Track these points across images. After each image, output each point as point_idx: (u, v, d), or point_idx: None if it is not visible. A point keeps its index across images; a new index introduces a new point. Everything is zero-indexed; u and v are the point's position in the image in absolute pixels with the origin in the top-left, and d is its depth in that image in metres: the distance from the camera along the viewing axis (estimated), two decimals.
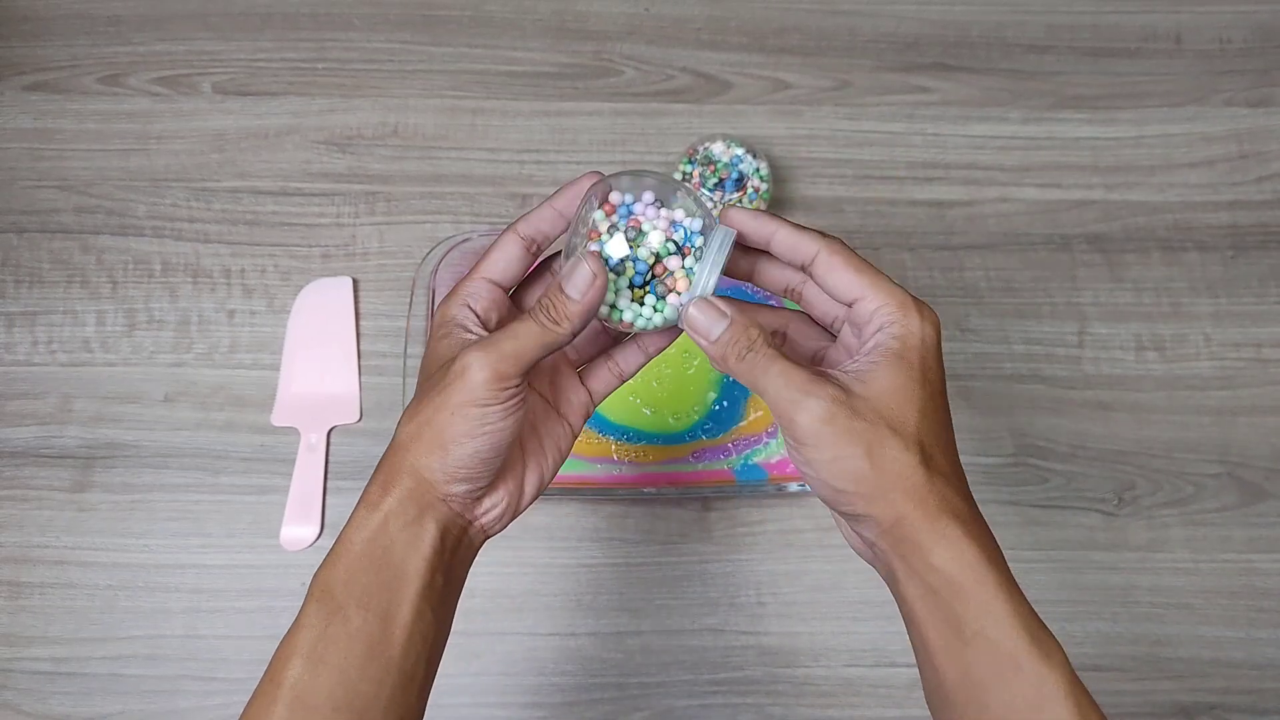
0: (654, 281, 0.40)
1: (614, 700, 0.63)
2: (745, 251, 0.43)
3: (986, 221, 0.74)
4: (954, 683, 0.36)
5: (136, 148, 0.75)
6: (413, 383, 0.63)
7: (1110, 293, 0.72)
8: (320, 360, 0.69)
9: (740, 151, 0.70)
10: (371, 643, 0.37)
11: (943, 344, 0.40)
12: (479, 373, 0.37)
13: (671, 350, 0.69)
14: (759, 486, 0.66)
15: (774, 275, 0.43)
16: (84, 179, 0.74)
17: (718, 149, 0.70)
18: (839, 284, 0.40)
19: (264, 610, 0.64)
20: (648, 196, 0.41)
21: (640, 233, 0.40)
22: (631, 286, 0.40)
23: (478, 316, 0.41)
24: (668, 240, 0.40)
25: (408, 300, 0.65)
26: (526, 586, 0.65)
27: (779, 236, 0.41)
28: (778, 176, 0.74)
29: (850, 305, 0.40)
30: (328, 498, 0.66)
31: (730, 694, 0.63)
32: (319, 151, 0.75)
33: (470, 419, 0.38)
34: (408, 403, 0.41)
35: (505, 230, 0.42)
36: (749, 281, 0.44)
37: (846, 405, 0.37)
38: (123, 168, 0.74)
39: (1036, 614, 0.37)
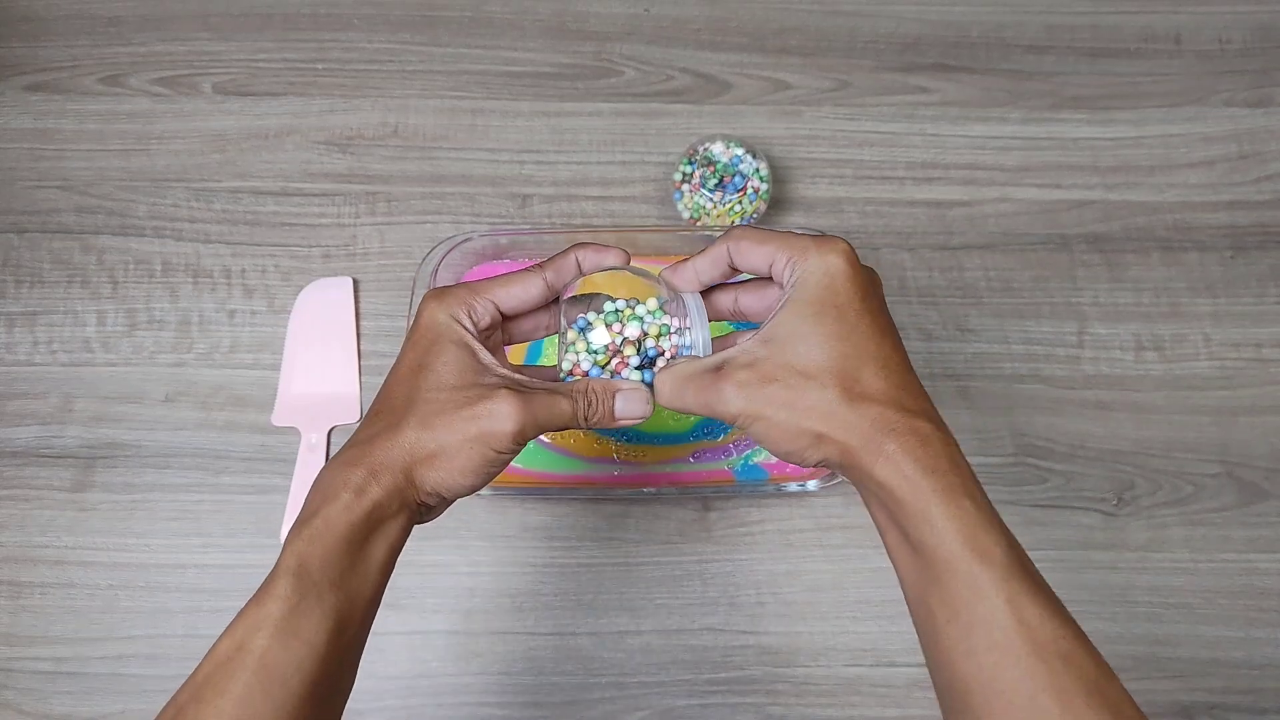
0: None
1: (614, 700, 0.63)
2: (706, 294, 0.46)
3: (986, 222, 0.74)
4: (910, 587, 0.38)
5: (137, 148, 0.75)
6: None
7: (1110, 293, 0.72)
8: (321, 360, 0.69)
9: (740, 152, 0.70)
10: (341, 621, 0.37)
11: (884, 296, 0.41)
12: (508, 425, 0.40)
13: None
14: (759, 486, 0.66)
15: (755, 301, 0.45)
16: (84, 179, 0.74)
17: (717, 149, 0.70)
18: (754, 262, 0.42)
19: None
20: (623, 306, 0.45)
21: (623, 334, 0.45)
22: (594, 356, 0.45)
23: (477, 335, 0.43)
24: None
25: (408, 300, 0.65)
26: (526, 586, 0.65)
27: (700, 270, 0.43)
28: (777, 177, 0.74)
29: (770, 277, 0.42)
30: None
31: (730, 694, 0.63)
32: (319, 152, 0.75)
33: (484, 460, 0.40)
34: (393, 381, 0.42)
35: (532, 270, 0.44)
36: (733, 318, 0.46)
37: (755, 375, 0.39)
38: (123, 168, 0.74)
39: (985, 510, 0.37)
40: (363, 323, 0.70)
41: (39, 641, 0.63)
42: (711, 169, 0.69)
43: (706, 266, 0.43)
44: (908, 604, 0.39)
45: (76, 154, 0.74)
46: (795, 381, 0.38)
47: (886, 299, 0.71)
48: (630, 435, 0.67)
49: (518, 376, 0.43)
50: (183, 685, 0.36)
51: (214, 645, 0.37)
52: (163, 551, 0.65)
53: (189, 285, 0.71)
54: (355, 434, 0.42)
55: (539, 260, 0.46)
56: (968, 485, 0.37)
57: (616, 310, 0.45)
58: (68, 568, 0.64)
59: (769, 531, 0.66)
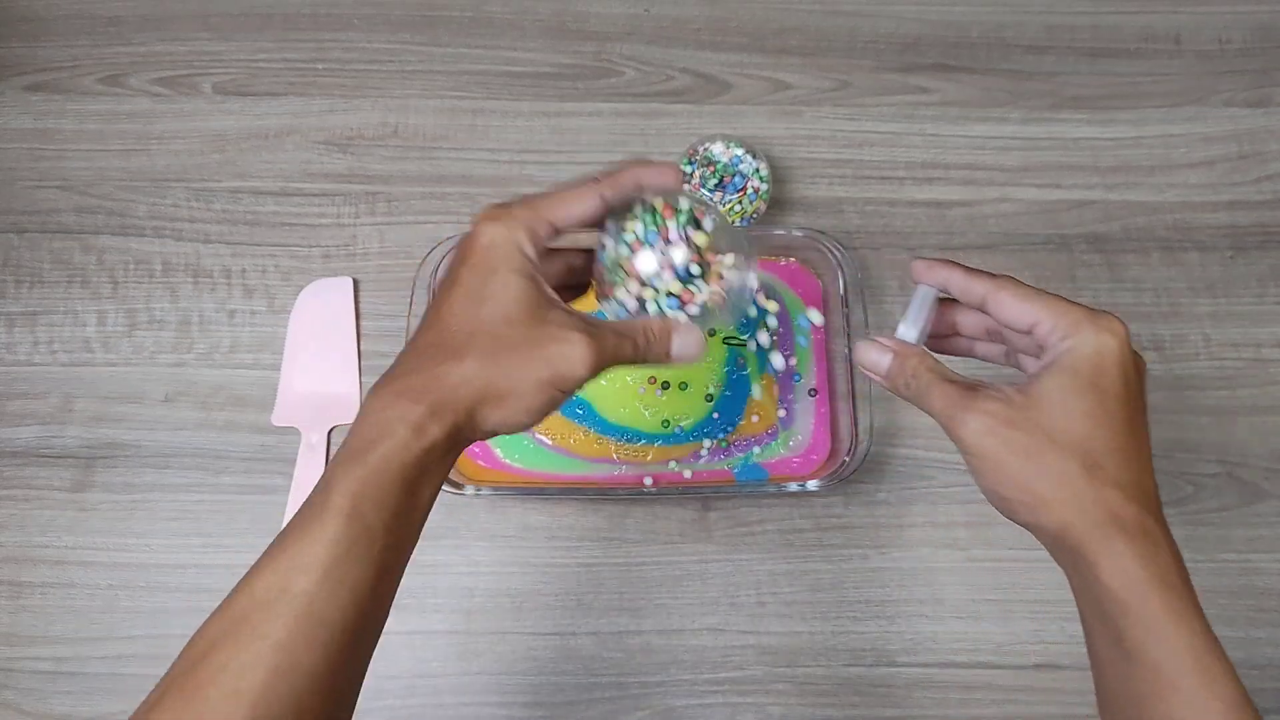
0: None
1: (614, 700, 0.63)
2: (949, 304, 0.45)
3: (986, 222, 0.74)
4: (1115, 693, 0.37)
5: (137, 148, 0.75)
6: None
7: (1110, 293, 0.72)
8: (321, 360, 0.69)
9: (740, 152, 0.70)
10: (387, 565, 0.36)
11: (1146, 386, 0.41)
12: (581, 369, 0.39)
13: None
14: (759, 486, 0.66)
15: (972, 321, 0.45)
16: (84, 179, 0.74)
17: (717, 149, 0.70)
18: (1012, 316, 0.41)
19: None
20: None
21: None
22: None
23: (538, 263, 0.40)
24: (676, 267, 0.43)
25: (408, 300, 0.65)
26: (527, 586, 0.65)
27: (953, 283, 0.43)
28: (777, 177, 0.74)
29: (1029, 333, 0.41)
30: None
31: (730, 693, 0.63)
32: (319, 152, 0.75)
33: (550, 401, 0.39)
34: (447, 307, 0.39)
35: (588, 183, 0.42)
36: (955, 333, 0.46)
37: (1004, 416, 0.38)
38: (123, 168, 0.74)
39: (1209, 633, 0.37)
40: (363, 323, 0.70)
41: (39, 641, 0.63)
42: (712, 169, 0.69)
43: (959, 284, 0.43)
44: (1101, 696, 0.39)
45: (76, 154, 0.74)
46: (1041, 441, 0.38)
47: (885, 299, 0.71)
48: (630, 435, 0.67)
49: (584, 314, 0.41)
50: (213, 618, 0.34)
51: (250, 578, 0.34)
52: (163, 551, 0.65)
53: (189, 285, 0.71)
54: (406, 359, 0.39)
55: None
56: (1195, 604, 0.37)
57: (654, 220, 0.43)
58: (68, 568, 0.64)
59: (769, 531, 0.66)
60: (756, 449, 0.67)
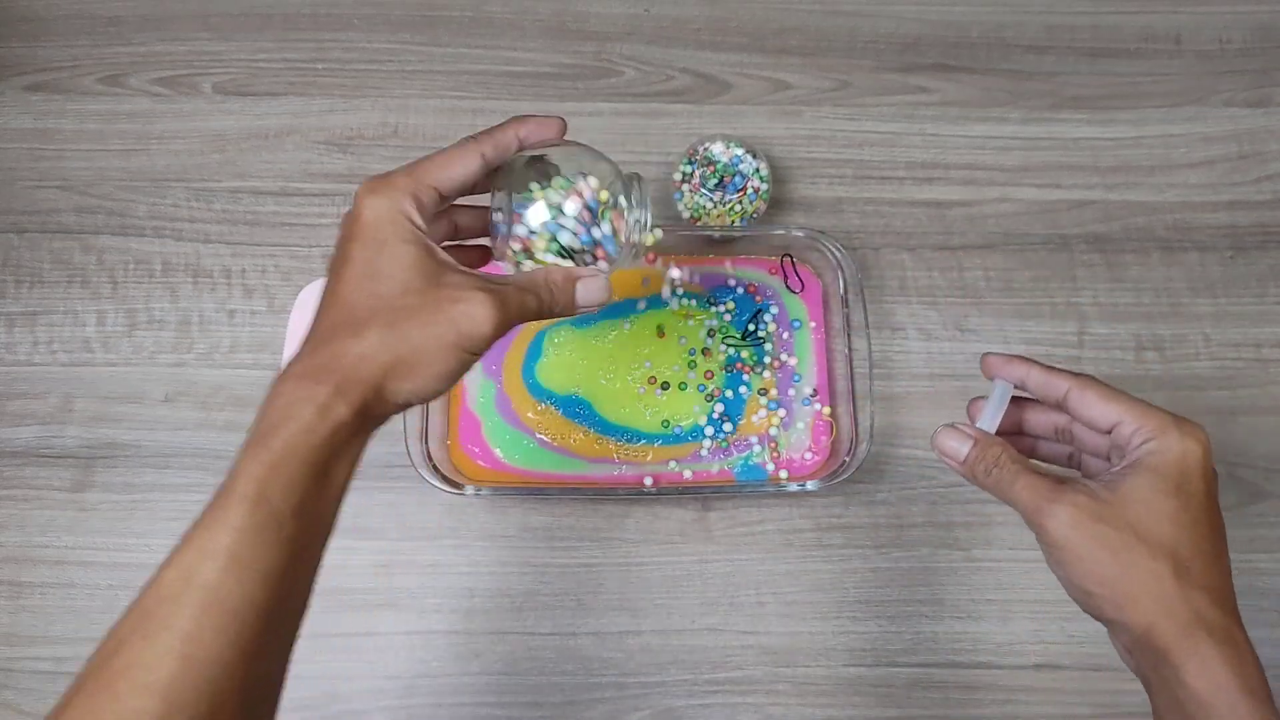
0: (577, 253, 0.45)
1: (614, 699, 0.63)
2: (1017, 402, 0.46)
3: (986, 222, 0.74)
4: None
5: (137, 148, 0.75)
6: None
7: (1110, 293, 0.72)
8: None
9: (740, 152, 0.70)
10: (298, 549, 0.35)
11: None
12: (486, 326, 0.38)
13: (674, 353, 0.69)
14: (759, 486, 0.66)
15: (1041, 419, 0.46)
16: (84, 179, 0.74)
17: (718, 149, 0.70)
18: (1094, 415, 0.42)
19: None
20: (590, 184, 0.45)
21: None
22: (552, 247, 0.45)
23: (426, 229, 0.40)
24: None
25: None
26: (526, 586, 0.65)
27: (1031, 379, 0.44)
28: (777, 177, 0.74)
29: (1109, 433, 0.42)
30: None
31: (730, 693, 0.63)
32: (319, 152, 0.75)
33: (459, 364, 0.39)
34: (343, 285, 0.39)
35: (466, 143, 0.42)
36: (1018, 432, 0.47)
37: (1092, 511, 0.38)
38: (123, 168, 0.74)
39: None
40: None
41: (39, 641, 0.63)
42: (712, 169, 0.69)
43: (1039, 380, 0.43)
44: None
45: (76, 154, 0.74)
46: (1129, 538, 0.38)
47: (885, 299, 0.71)
48: (630, 435, 0.67)
49: (481, 272, 0.41)
50: (124, 616, 0.34)
51: (158, 573, 0.34)
52: (163, 551, 0.64)
53: (189, 285, 0.71)
54: (307, 343, 0.39)
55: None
56: (1276, 714, 0.37)
57: (558, 183, 0.44)
58: (68, 568, 0.64)
59: (769, 531, 0.66)
60: (756, 449, 0.67)
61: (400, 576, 0.65)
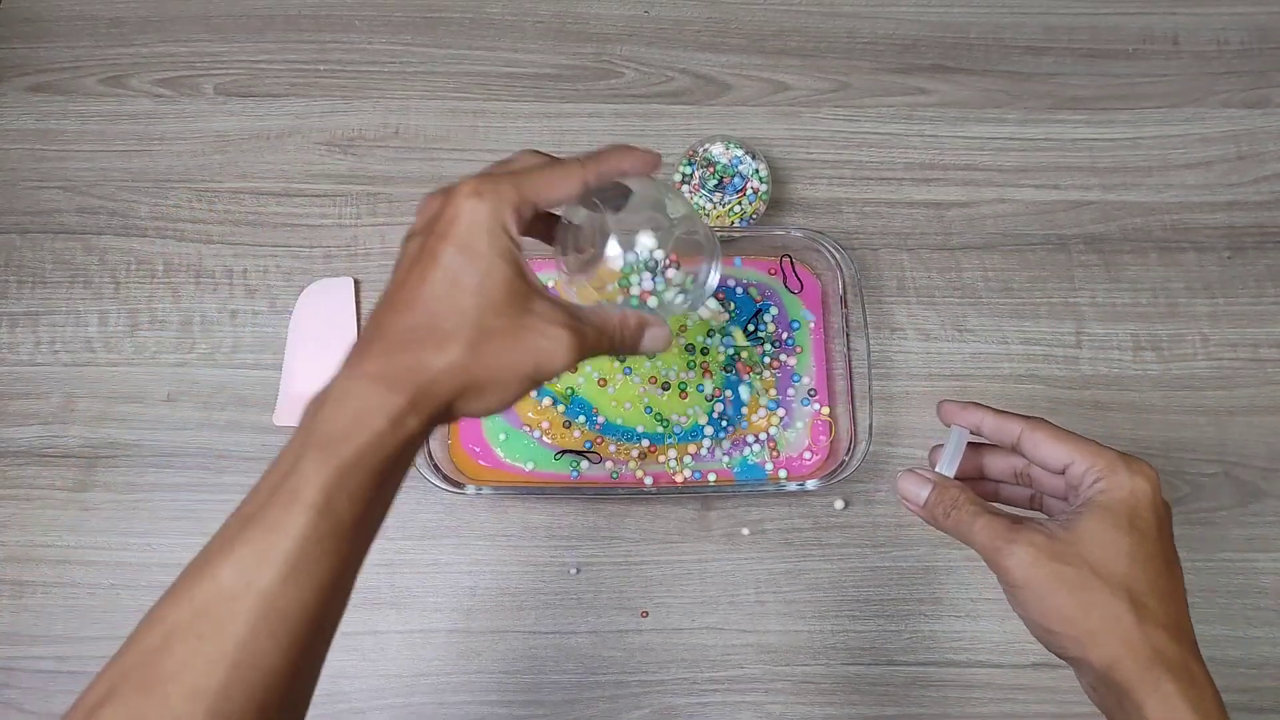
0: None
1: (614, 698, 0.63)
2: (975, 448, 0.47)
3: (984, 222, 0.74)
4: None
5: (139, 149, 0.75)
6: None
7: (1107, 293, 0.72)
8: (322, 360, 0.69)
9: (740, 153, 0.70)
10: (354, 558, 0.35)
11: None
12: (562, 361, 0.38)
13: (673, 353, 0.69)
14: (759, 486, 0.66)
15: (999, 463, 0.47)
16: (87, 180, 0.74)
17: (717, 150, 0.70)
18: (1046, 456, 0.42)
19: None
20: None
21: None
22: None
23: (519, 237, 0.39)
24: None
25: None
26: (527, 585, 0.65)
27: (985, 424, 0.44)
28: (777, 178, 0.74)
29: (1062, 473, 0.42)
30: None
31: (730, 692, 0.63)
32: (321, 153, 0.75)
33: (527, 389, 0.39)
34: (428, 286, 0.37)
35: (574, 164, 0.42)
36: (979, 477, 0.47)
37: (1049, 550, 0.39)
38: (125, 169, 0.74)
39: None
40: (364, 323, 0.70)
41: (41, 641, 0.63)
42: (711, 170, 0.69)
43: (992, 425, 0.44)
44: None
45: (79, 155, 0.75)
46: (1087, 576, 0.38)
47: (884, 299, 0.72)
48: (631, 435, 0.67)
49: (567, 304, 0.40)
50: (167, 605, 0.33)
51: (212, 566, 0.33)
52: (165, 551, 0.65)
53: (191, 285, 0.71)
54: (382, 338, 0.37)
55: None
56: None
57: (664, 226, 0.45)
58: (70, 567, 0.65)
59: (769, 531, 0.66)
60: (756, 448, 0.67)
61: (401, 575, 0.65)
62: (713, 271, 0.47)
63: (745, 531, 0.66)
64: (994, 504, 0.43)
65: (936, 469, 0.45)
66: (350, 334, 0.70)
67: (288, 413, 0.68)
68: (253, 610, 0.32)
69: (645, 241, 0.45)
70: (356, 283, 0.71)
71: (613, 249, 0.45)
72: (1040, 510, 0.46)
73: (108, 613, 0.64)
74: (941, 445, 0.46)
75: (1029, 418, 0.43)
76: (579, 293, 0.46)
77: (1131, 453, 0.68)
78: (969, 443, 0.46)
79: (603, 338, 0.41)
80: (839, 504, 0.66)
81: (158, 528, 0.65)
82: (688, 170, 0.70)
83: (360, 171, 0.75)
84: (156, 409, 0.68)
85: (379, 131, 0.76)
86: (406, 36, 0.78)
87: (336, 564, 0.34)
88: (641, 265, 0.45)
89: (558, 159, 0.42)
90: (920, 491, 0.43)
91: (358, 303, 0.71)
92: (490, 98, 0.77)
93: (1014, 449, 0.44)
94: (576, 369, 0.40)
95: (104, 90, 0.76)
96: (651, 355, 0.44)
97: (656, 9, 0.80)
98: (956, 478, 0.45)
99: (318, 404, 0.36)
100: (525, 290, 0.38)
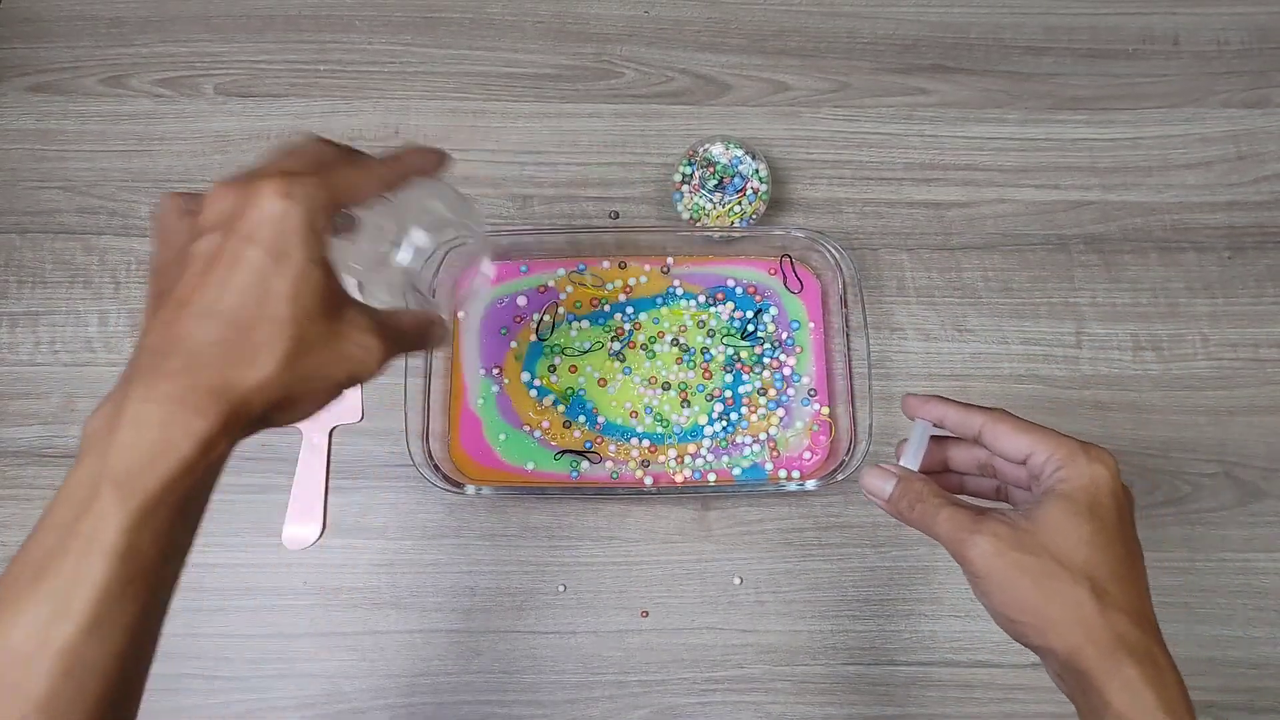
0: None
1: (614, 698, 0.63)
2: (939, 441, 0.47)
3: (984, 222, 0.74)
4: None
5: (139, 149, 0.75)
6: (415, 382, 0.63)
7: (1108, 293, 0.72)
8: None
9: (739, 153, 0.70)
10: (165, 587, 0.33)
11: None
12: (375, 367, 0.38)
13: (673, 353, 0.69)
14: (759, 486, 0.66)
15: (964, 455, 0.47)
16: (86, 180, 0.74)
17: (717, 150, 0.70)
18: (1007, 448, 0.43)
19: (266, 609, 0.64)
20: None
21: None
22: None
23: (329, 240, 0.37)
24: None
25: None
26: (526, 585, 0.65)
27: (948, 417, 0.45)
28: (777, 178, 0.74)
29: (1024, 464, 0.42)
30: (329, 497, 0.66)
31: (730, 692, 0.63)
32: None
33: (337, 396, 0.38)
34: (235, 287, 0.34)
35: (376, 164, 0.40)
36: (945, 470, 0.48)
37: (1011, 539, 0.39)
38: (125, 169, 0.74)
39: None
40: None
41: None
42: (711, 170, 0.69)
43: (955, 418, 0.45)
44: None
45: (79, 155, 0.75)
46: (1049, 565, 0.39)
47: (884, 299, 0.72)
48: (631, 434, 0.67)
49: (371, 310, 0.39)
50: None
51: (3, 626, 0.30)
52: None
53: None
54: (179, 346, 0.33)
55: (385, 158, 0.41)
56: None
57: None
58: None
59: (769, 531, 0.66)
60: (756, 448, 0.67)
61: (401, 575, 0.65)
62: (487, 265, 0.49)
63: (737, 581, 0.66)
64: (959, 496, 0.43)
65: (900, 462, 0.45)
66: None
67: None
68: (53, 670, 0.30)
69: (421, 239, 0.45)
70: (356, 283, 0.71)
71: (409, 247, 0.45)
72: (1006, 501, 0.47)
73: None
74: (906, 440, 0.46)
75: (990, 410, 0.44)
76: (369, 290, 0.46)
77: (1133, 453, 0.69)
78: (933, 436, 0.46)
79: (405, 337, 0.41)
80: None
81: None
82: (687, 170, 0.70)
83: None
84: None
85: (379, 131, 0.76)
86: (406, 36, 0.78)
87: (148, 601, 0.32)
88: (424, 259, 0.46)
89: (355, 153, 0.40)
90: (885, 486, 0.44)
91: None
92: (490, 98, 0.77)
93: (977, 441, 0.44)
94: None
95: (104, 90, 0.76)
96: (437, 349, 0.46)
97: (656, 9, 0.80)
98: (922, 471, 0.45)
99: (107, 429, 0.32)
100: (337, 297, 0.36)
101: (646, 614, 0.64)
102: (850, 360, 0.65)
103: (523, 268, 0.70)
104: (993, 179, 0.75)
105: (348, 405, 0.68)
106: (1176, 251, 0.73)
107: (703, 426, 0.67)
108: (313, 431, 0.67)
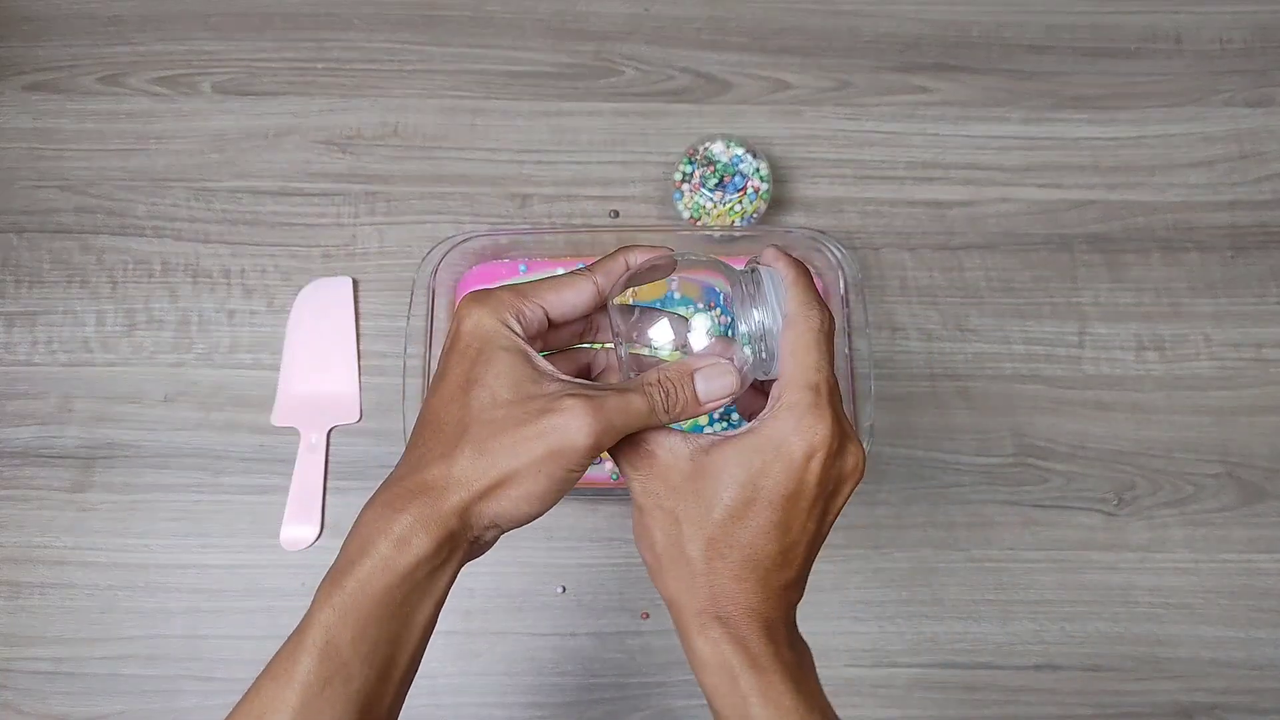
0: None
1: (614, 700, 0.63)
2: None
3: (987, 222, 0.74)
4: None
5: (136, 147, 0.75)
6: (413, 383, 0.63)
7: (1110, 293, 0.72)
8: (320, 360, 0.69)
9: (740, 152, 0.70)
10: (368, 698, 0.34)
11: (842, 497, 0.38)
12: (581, 438, 0.34)
13: (674, 354, 0.69)
14: None
15: None
16: (84, 179, 0.74)
17: (718, 149, 0.70)
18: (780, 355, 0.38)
19: (264, 610, 0.64)
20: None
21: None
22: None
23: (524, 332, 0.37)
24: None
25: (408, 300, 0.65)
26: (526, 586, 0.65)
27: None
28: (778, 177, 0.74)
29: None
30: (328, 498, 0.66)
31: None
32: (319, 151, 0.75)
33: (554, 482, 0.34)
34: (438, 400, 0.36)
35: (582, 273, 0.40)
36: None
37: (671, 473, 0.37)
38: (123, 167, 0.74)
39: (809, 710, 0.36)
40: (362, 323, 0.70)
41: (38, 642, 0.63)
42: (712, 169, 0.69)
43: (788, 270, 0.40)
44: None
45: (76, 154, 0.74)
46: (691, 509, 0.36)
47: (886, 299, 0.71)
48: None
49: (581, 380, 0.37)
50: None
51: (233, 716, 0.33)
52: (162, 552, 0.65)
53: (188, 285, 0.71)
54: (400, 464, 0.36)
55: (584, 262, 0.41)
56: (791, 682, 0.36)
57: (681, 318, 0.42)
58: (67, 568, 0.64)
59: None
60: None
61: None
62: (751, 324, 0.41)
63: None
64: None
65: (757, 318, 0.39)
66: (349, 333, 0.70)
67: (286, 413, 0.68)
68: None
69: (702, 324, 0.41)
70: (355, 282, 0.71)
71: (699, 338, 0.41)
72: None
73: (105, 614, 0.64)
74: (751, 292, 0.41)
75: (812, 308, 0.38)
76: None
77: (1135, 454, 0.69)
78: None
79: (631, 398, 0.36)
80: None
81: (155, 528, 0.65)
82: (688, 169, 0.70)
83: (359, 170, 0.74)
84: (154, 409, 0.68)
85: (377, 130, 0.75)
86: (405, 35, 0.78)
87: (349, 707, 0.33)
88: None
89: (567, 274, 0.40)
90: (726, 385, 0.38)
91: (356, 302, 0.70)
92: (489, 96, 0.77)
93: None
94: (605, 451, 0.36)
95: (101, 89, 0.76)
96: (721, 406, 0.38)
97: (656, 7, 0.79)
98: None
99: (344, 541, 0.35)
100: (534, 376, 0.36)
101: (647, 616, 0.64)
102: (852, 360, 0.65)
103: (522, 267, 0.70)
104: (995, 178, 0.75)
105: (346, 405, 0.68)
106: (1179, 251, 0.73)
107: (703, 427, 0.67)
108: (311, 432, 0.67)
